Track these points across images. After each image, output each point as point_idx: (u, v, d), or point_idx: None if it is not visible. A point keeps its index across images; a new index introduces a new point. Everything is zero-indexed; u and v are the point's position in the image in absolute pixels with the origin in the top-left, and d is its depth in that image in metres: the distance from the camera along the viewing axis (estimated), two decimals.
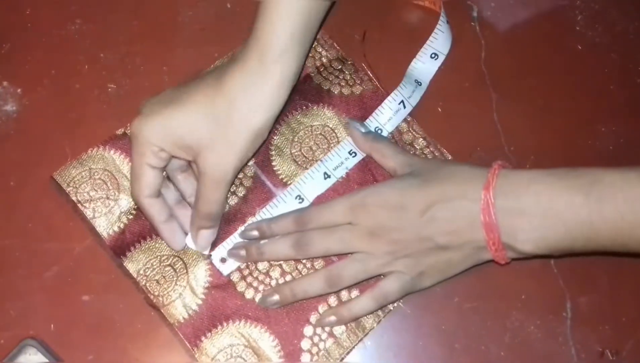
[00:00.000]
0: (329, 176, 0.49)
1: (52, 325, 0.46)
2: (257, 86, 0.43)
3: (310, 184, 0.49)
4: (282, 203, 0.48)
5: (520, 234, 0.41)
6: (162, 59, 0.53)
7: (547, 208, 0.40)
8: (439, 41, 0.53)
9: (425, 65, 0.52)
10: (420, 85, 0.52)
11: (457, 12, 0.55)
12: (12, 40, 0.53)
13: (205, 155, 0.43)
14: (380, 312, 0.46)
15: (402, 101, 0.50)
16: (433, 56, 0.52)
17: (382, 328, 0.46)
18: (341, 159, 0.50)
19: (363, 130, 0.49)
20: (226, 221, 0.48)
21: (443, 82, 0.52)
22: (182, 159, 0.46)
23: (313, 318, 0.46)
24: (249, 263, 0.47)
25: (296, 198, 0.48)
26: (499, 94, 0.53)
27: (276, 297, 0.45)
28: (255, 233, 0.47)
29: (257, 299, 0.46)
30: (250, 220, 0.48)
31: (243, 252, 0.46)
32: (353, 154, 0.50)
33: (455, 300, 0.47)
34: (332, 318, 0.45)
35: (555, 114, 0.52)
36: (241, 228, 0.47)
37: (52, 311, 0.46)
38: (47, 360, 0.44)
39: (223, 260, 0.47)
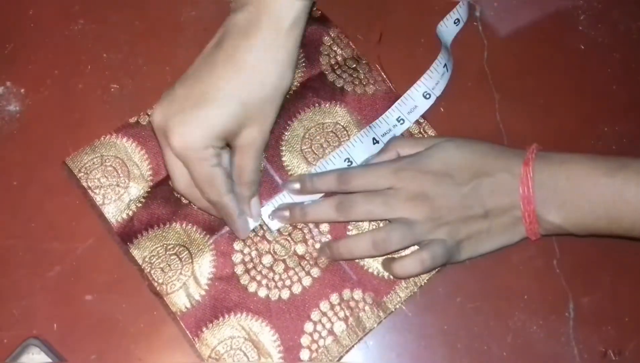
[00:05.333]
0: (377, 142, 0.50)
1: (55, 325, 0.46)
2: (279, 53, 0.44)
3: (359, 148, 0.50)
4: (332, 165, 0.49)
5: (552, 208, 0.44)
6: (164, 59, 0.53)
7: (575, 186, 0.43)
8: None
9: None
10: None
11: None
12: (15, 40, 0.53)
13: (246, 132, 0.44)
14: (381, 313, 0.46)
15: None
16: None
17: (385, 328, 0.46)
18: (389, 126, 0.50)
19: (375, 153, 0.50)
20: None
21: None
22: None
23: (314, 315, 0.46)
24: (294, 222, 0.48)
25: (345, 160, 0.49)
26: (502, 94, 0.53)
27: (327, 252, 0.47)
28: (297, 185, 0.48)
29: (260, 293, 0.46)
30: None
31: (287, 213, 0.47)
32: (401, 122, 0.51)
33: (458, 300, 0.47)
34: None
35: (557, 114, 0.52)
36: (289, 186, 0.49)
37: (55, 311, 0.46)
38: (50, 360, 0.44)
39: (272, 217, 0.48)
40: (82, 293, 0.46)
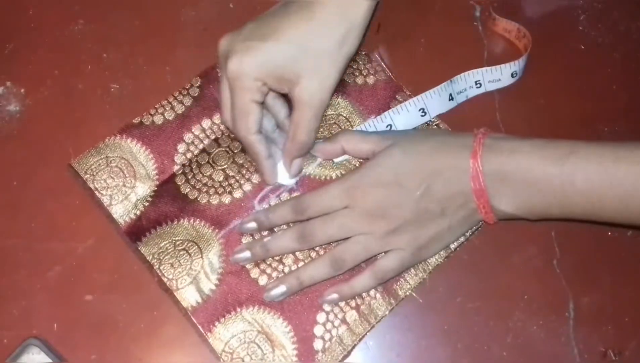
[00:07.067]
0: (452, 99, 0.50)
1: (55, 325, 0.46)
2: (347, 15, 0.46)
3: (436, 101, 0.50)
4: (405, 112, 0.49)
5: (504, 198, 0.44)
6: (164, 59, 0.53)
7: (525, 176, 0.43)
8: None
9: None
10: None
11: (460, 12, 0.55)
12: (15, 40, 0.53)
13: (304, 85, 0.45)
14: (392, 300, 0.46)
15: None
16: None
17: (385, 327, 0.46)
18: (466, 85, 0.51)
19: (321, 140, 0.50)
20: (246, 203, 0.49)
21: None
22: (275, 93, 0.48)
23: (326, 305, 0.46)
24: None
25: (420, 110, 0.50)
26: (502, 94, 0.53)
27: (283, 288, 0.46)
28: (253, 224, 0.47)
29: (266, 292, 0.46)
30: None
31: (247, 254, 0.47)
32: (478, 85, 0.51)
33: (458, 300, 0.47)
34: (334, 295, 0.46)
35: (557, 114, 0.52)
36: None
37: (55, 311, 0.46)
38: (50, 360, 0.44)
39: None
40: (82, 293, 0.46)
